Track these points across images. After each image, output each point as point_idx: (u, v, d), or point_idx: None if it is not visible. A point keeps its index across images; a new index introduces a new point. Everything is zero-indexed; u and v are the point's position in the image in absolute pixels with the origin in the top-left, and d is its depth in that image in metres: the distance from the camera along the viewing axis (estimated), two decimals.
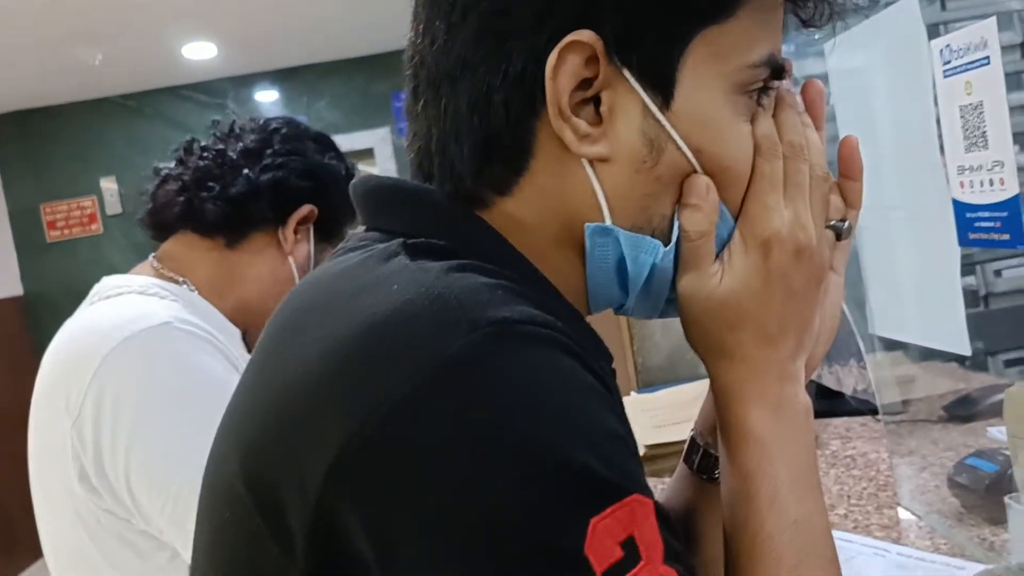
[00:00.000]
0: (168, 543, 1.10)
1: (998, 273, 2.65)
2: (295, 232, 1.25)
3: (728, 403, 0.60)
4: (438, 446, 0.46)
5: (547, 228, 0.59)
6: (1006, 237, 0.88)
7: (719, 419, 0.61)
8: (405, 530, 0.46)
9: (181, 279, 1.21)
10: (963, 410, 1.55)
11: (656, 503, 0.49)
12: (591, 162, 0.57)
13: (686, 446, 0.75)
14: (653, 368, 2.12)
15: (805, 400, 0.60)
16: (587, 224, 0.58)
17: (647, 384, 2.06)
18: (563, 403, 0.48)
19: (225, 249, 1.23)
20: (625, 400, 0.54)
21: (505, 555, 0.45)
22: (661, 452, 1.49)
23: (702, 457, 0.73)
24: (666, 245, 0.58)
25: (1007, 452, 1.14)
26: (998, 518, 1.09)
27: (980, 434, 1.44)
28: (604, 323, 0.60)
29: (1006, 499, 1.00)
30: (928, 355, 2.03)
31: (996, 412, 1.51)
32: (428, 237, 0.57)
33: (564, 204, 0.58)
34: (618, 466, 0.48)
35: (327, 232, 1.29)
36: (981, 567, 1.00)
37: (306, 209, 1.24)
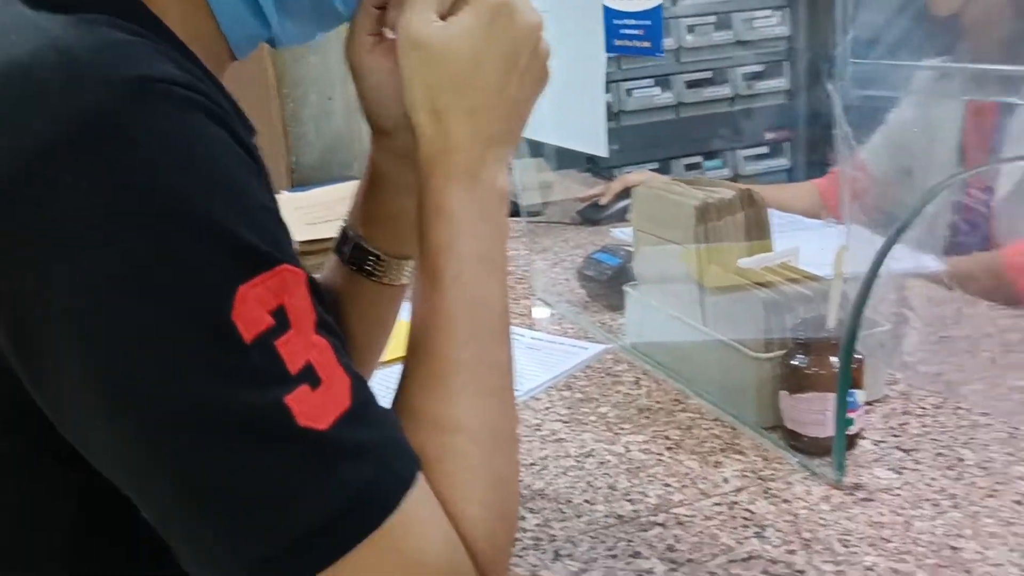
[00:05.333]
0: None
1: (629, 93, 2.89)
2: None
3: (427, 176, 0.59)
4: (77, 204, 0.42)
5: None
6: (647, 45, 0.94)
7: (418, 192, 0.60)
8: (45, 280, 0.42)
9: None
10: (593, 214, 1.69)
11: (308, 275, 0.49)
12: None
13: (337, 237, 0.74)
14: (306, 167, 2.08)
15: (504, 184, 0.60)
16: None
17: (300, 183, 2.03)
18: (211, 168, 0.45)
19: None
20: (278, 199, 0.52)
21: (149, 311, 0.43)
22: (314, 248, 1.49)
23: (353, 249, 0.73)
24: None
25: (629, 248, 1.27)
26: (617, 305, 1.23)
27: (606, 235, 1.59)
28: (257, 123, 0.57)
29: (625, 288, 1.12)
30: (564, 163, 2.18)
31: (620, 217, 1.67)
32: None
33: None
34: (269, 236, 0.47)
35: None
36: (601, 347, 1.13)
37: None
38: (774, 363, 0.89)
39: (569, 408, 0.99)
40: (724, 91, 2.97)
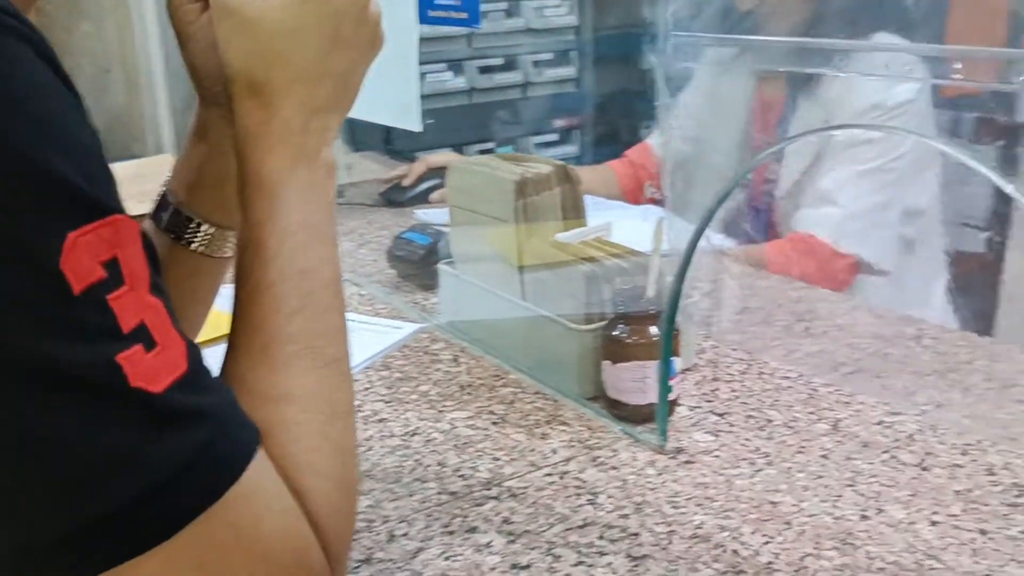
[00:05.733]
0: None
1: (423, 77, 2.88)
2: None
3: (247, 148, 0.56)
4: None
5: None
6: (464, 16, 0.93)
7: (239, 165, 0.57)
8: None
9: None
10: (397, 196, 1.66)
11: (142, 229, 0.44)
12: None
13: (156, 202, 0.69)
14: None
15: (329, 157, 0.58)
16: None
17: None
18: (41, 107, 0.40)
19: None
20: None
21: None
22: None
23: (172, 215, 0.68)
24: None
25: (439, 228, 1.25)
26: (430, 284, 1.21)
27: (410, 217, 1.57)
28: None
29: (439, 266, 1.10)
30: (362, 145, 2.14)
31: (424, 199, 1.66)
32: None
33: None
34: (101, 182, 0.42)
35: None
36: (416, 326, 1.11)
37: None
38: (595, 335, 0.90)
39: (389, 388, 0.97)
40: (515, 77, 3.02)
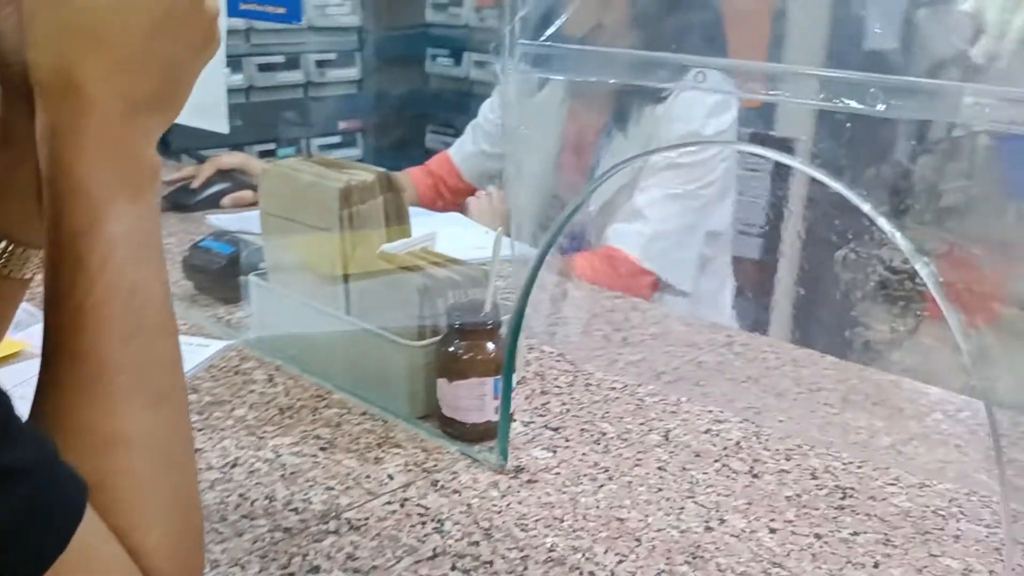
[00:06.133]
0: None
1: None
2: None
3: (57, 148, 0.48)
4: None
5: None
6: (281, 11, 0.87)
7: (43, 167, 0.48)
8: None
9: None
10: (184, 199, 1.55)
11: None
12: None
13: None
14: None
15: (154, 158, 0.51)
16: None
17: None
18: None
19: None
20: None
21: None
22: None
23: None
24: None
25: (242, 235, 1.17)
26: (232, 297, 1.13)
27: (200, 222, 1.46)
28: None
29: (250, 277, 1.02)
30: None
31: (215, 202, 1.55)
32: None
33: None
34: None
35: None
36: (223, 343, 1.03)
37: None
38: (427, 350, 0.86)
39: (200, 414, 0.88)
40: (297, 77, 2.92)
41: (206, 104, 0.97)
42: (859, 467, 0.83)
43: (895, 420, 0.92)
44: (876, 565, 0.70)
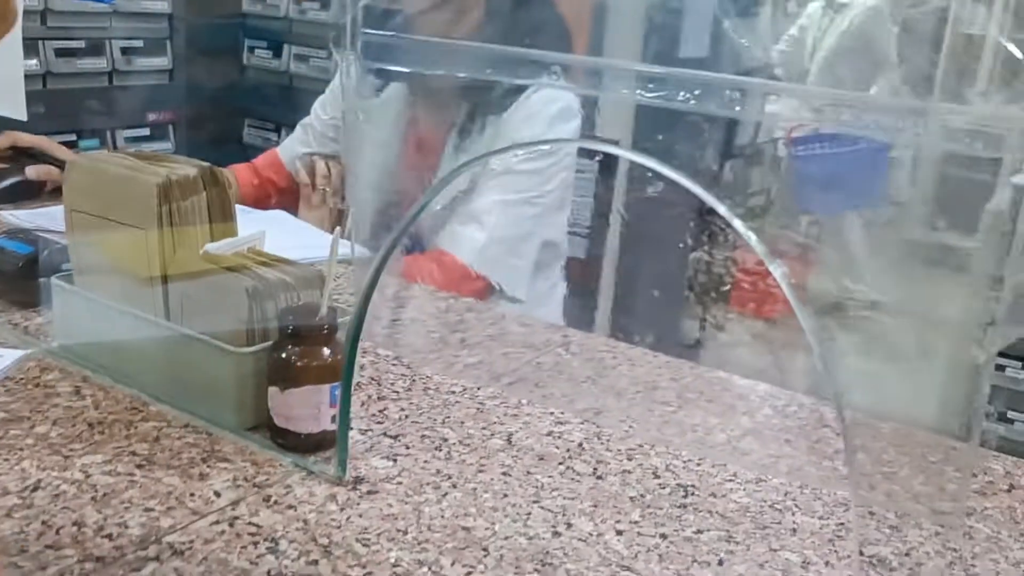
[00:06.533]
0: None
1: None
2: None
3: None
4: None
5: None
6: None
7: None
8: None
9: None
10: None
11: None
12: None
13: None
14: None
15: None
16: None
17: None
18: None
19: None
20: None
21: None
22: None
23: None
24: None
25: (42, 233, 1.07)
26: (31, 302, 1.02)
27: None
28: None
29: (53, 279, 0.93)
30: None
31: (7, 198, 1.42)
32: None
33: None
34: None
35: None
36: (20, 352, 0.93)
37: None
38: (257, 356, 0.80)
39: None
40: (100, 64, 2.72)
41: (1, 88, 0.87)
42: (698, 464, 0.84)
43: (728, 416, 0.94)
44: (720, 563, 0.70)
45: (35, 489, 0.72)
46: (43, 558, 0.64)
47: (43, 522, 0.68)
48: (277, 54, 3.04)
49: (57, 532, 0.67)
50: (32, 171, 1.41)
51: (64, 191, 0.89)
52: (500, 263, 1.41)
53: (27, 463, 0.75)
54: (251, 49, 3.10)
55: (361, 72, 0.74)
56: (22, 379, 0.89)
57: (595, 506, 0.76)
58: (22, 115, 0.87)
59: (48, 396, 0.86)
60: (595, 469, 0.82)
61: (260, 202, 1.65)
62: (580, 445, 0.86)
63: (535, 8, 1.33)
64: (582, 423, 0.90)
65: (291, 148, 1.69)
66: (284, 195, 1.66)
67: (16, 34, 0.85)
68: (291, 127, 1.74)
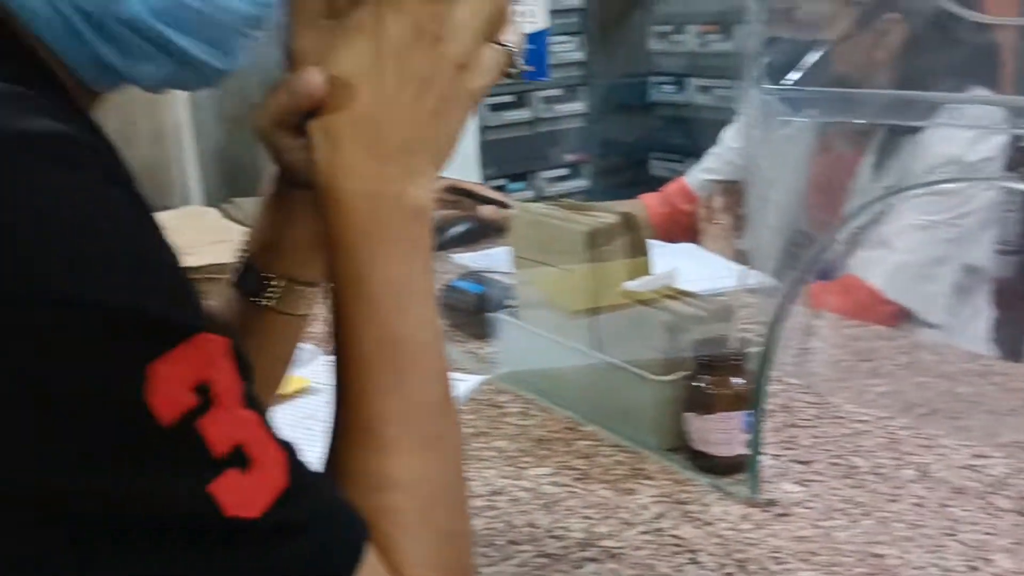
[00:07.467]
0: None
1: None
2: None
3: (323, 202, 0.52)
4: None
5: None
6: (531, 68, 0.93)
7: (325, 225, 0.52)
8: None
9: None
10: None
11: (231, 340, 0.42)
12: None
13: (239, 268, 0.67)
14: None
15: (418, 198, 0.52)
16: None
17: None
18: (103, 235, 0.39)
19: None
20: None
21: (54, 417, 0.37)
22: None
23: (255, 279, 0.66)
24: None
25: (491, 275, 1.25)
26: (482, 333, 1.20)
27: (444, 260, 1.56)
28: None
29: (501, 315, 1.09)
30: None
31: (458, 242, 1.65)
32: None
33: None
34: (180, 301, 0.41)
35: None
36: (479, 378, 1.10)
37: None
38: (674, 385, 0.89)
39: (462, 445, 0.95)
40: (524, 114, 3.03)
41: (458, 154, 1.05)
42: None
43: None
44: None
45: (498, 494, 0.86)
46: (506, 551, 0.77)
47: (505, 521, 0.82)
48: (680, 88, 3.17)
49: (516, 530, 0.80)
50: (486, 211, 1.60)
51: (509, 239, 1.04)
52: (913, 288, 1.38)
53: (489, 472, 0.90)
54: (656, 85, 3.26)
55: (765, 103, 0.79)
56: (481, 400, 1.06)
57: (1018, 543, 0.74)
58: (476, 178, 1.04)
59: (501, 415, 1.02)
60: (1018, 506, 0.79)
61: (670, 229, 1.72)
62: (1003, 480, 0.83)
63: (962, 31, 1.27)
64: (1005, 457, 0.87)
65: (700, 176, 1.76)
66: (693, 220, 1.72)
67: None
68: (695, 156, 1.82)
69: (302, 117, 0.53)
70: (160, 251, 0.41)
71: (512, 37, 0.56)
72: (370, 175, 0.51)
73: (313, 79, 0.52)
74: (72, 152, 0.39)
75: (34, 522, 0.38)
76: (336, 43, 0.53)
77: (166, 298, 0.40)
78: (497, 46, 0.55)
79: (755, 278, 1.06)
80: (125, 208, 0.40)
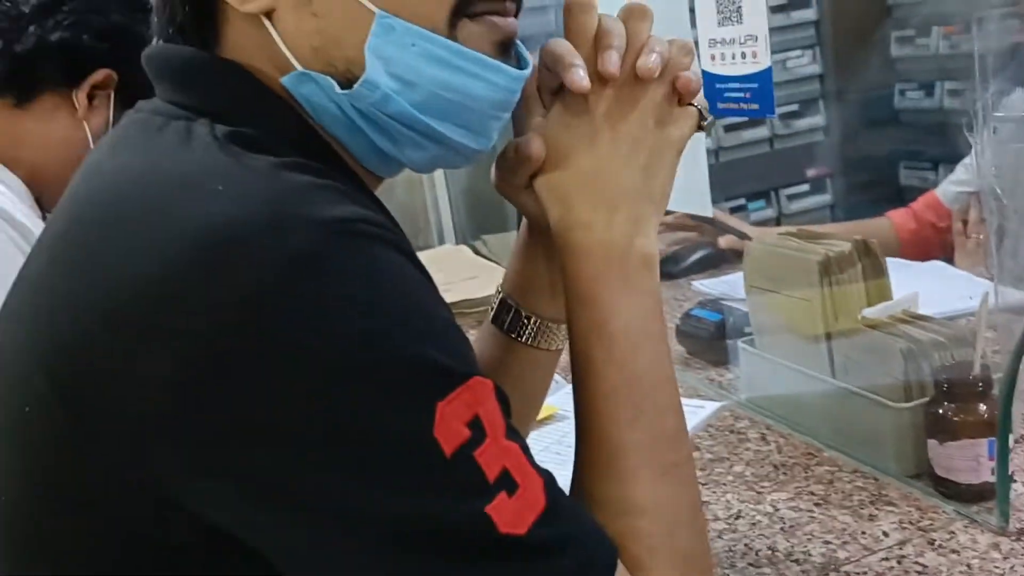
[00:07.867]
0: None
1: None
2: (92, 97, 1.10)
3: (561, 258, 0.60)
4: (288, 345, 0.45)
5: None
6: (755, 107, 0.96)
7: (563, 275, 0.61)
8: (254, 431, 0.45)
9: None
10: (670, 267, 1.70)
11: (495, 383, 0.50)
12: (269, 16, 0.55)
13: (494, 306, 0.75)
14: None
15: (644, 245, 0.59)
16: (283, 80, 0.55)
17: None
18: (403, 299, 0.48)
19: (14, 109, 1.09)
20: None
21: (362, 449, 0.45)
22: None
23: (512, 317, 0.73)
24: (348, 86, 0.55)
25: (728, 303, 1.28)
26: (720, 360, 1.23)
27: (686, 288, 1.60)
28: None
29: (739, 343, 1.13)
30: None
31: (700, 268, 1.68)
32: (227, 115, 0.54)
33: (270, 66, 0.56)
34: (457, 352, 0.49)
35: (131, 100, 1.17)
36: (718, 404, 1.13)
37: (102, 74, 1.10)
38: (915, 411, 0.89)
39: (703, 470, 1.00)
40: (761, 133, 3.00)
41: (690, 189, 1.09)
42: None
43: None
44: None
45: (737, 517, 0.90)
46: (745, 573, 0.81)
47: (745, 544, 0.85)
48: (929, 92, 3.02)
49: (756, 554, 0.83)
50: (724, 241, 1.63)
51: (744, 270, 1.08)
52: None
53: (729, 496, 0.94)
54: (901, 92, 3.13)
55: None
56: (720, 426, 1.09)
57: None
58: (708, 212, 1.08)
59: (741, 441, 1.05)
60: None
61: (918, 245, 1.66)
62: None
63: None
64: None
65: (951, 188, 1.68)
66: (944, 235, 1.64)
67: (701, 138, 1.07)
68: (949, 164, 1.74)
69: (530, 176, 0.63)
70: (439, 310, 0.50)
71: (699, 99, 0.64)
72: (600, 225, 0.60)
73: (535, 142, 0.61)
74: (374, 231, 0.48)
75: (340, 535, 0.47)
76: (556, 118, 0.62)
77: (447, 349, 0.48)
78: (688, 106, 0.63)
79: (1004, 297, 1.02)
80: (411, 275, 0.50)
